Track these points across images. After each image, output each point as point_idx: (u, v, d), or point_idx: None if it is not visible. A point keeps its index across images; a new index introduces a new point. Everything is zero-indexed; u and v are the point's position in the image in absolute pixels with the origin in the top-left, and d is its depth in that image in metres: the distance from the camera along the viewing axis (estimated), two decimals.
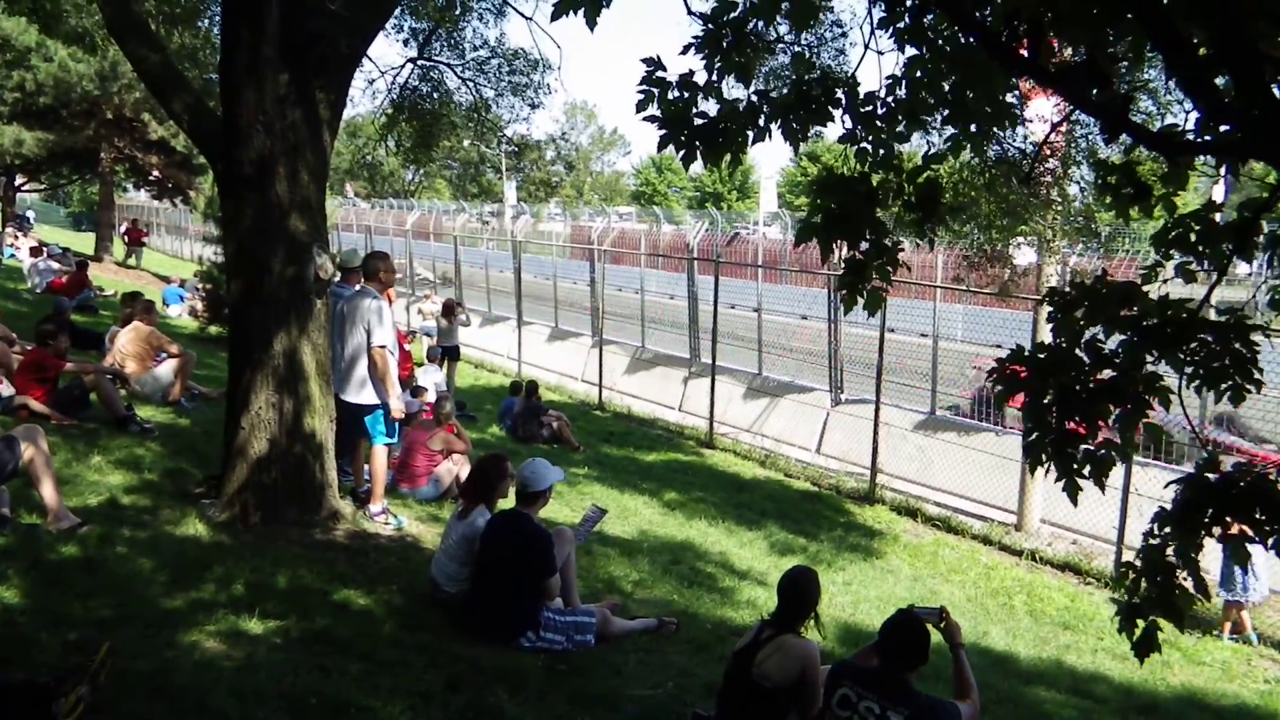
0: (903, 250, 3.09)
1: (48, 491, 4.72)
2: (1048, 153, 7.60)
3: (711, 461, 11.54)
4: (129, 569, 4.40)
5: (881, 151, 3.00)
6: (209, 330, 14.31)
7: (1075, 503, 2.52)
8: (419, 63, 11.70)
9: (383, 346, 5.78)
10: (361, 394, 5.84)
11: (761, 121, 2.93)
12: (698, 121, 2.90)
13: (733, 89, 2.98)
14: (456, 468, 6.95)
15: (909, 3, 2.72)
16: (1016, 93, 7.22)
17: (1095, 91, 2.29)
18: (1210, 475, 2.29)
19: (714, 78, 2.88)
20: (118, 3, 5.70)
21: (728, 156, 2.95)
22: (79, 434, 6.63)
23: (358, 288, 5.98)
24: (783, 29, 3.14)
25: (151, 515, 5.19)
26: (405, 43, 11.96)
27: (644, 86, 2.90)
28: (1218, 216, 2.53)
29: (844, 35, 9.33)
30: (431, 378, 11.95)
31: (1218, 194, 8.26)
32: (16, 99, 20.60)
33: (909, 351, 12.19)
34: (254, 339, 5.24)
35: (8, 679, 3.08)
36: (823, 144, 50.12)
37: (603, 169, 71.43)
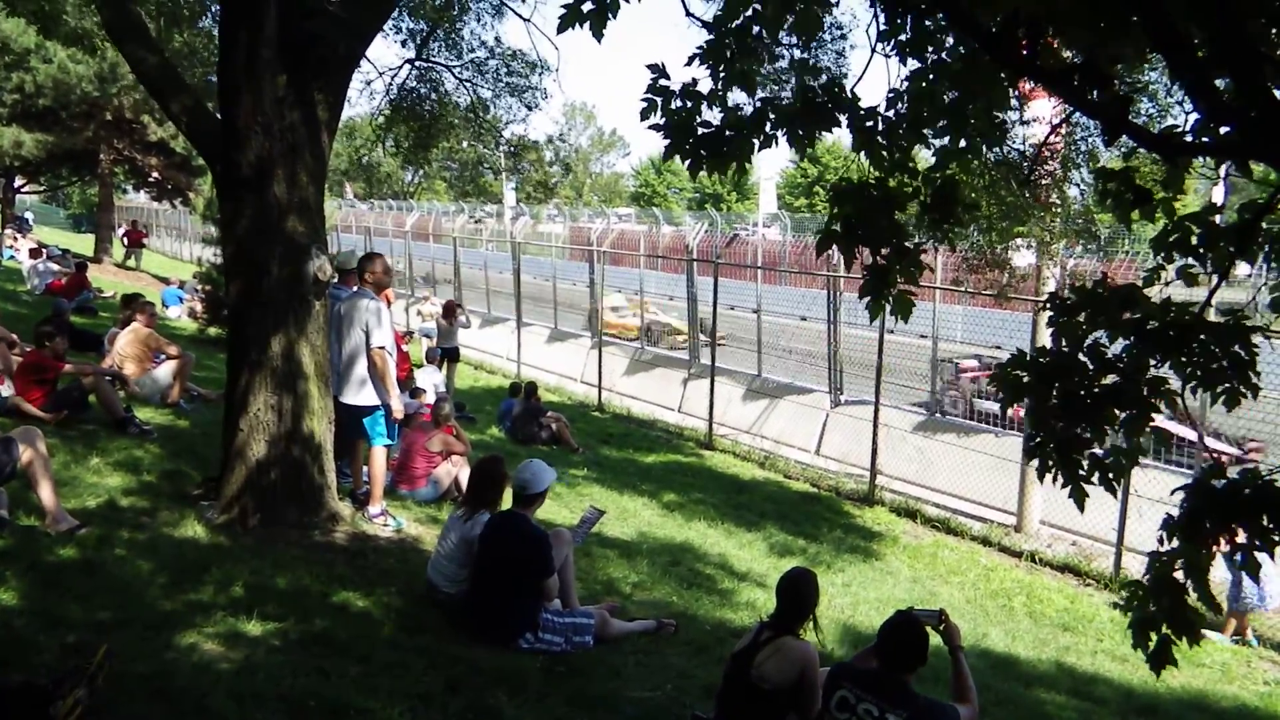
0: (925, 252, 3.07)
1: (46, 493, 4.72)
2: (1047, 155, 7.60)
3: (711, 463, 11.54)
4: (127, 571, 4.39)
5: (896, 155, 2.98)
6: (208, 332, 14.30)
7: (1082, 510, 2.50)
8: (417, 64, 11.70)
9: (381, 348, 5.78)
10: (360, 395, 5.84)
11: (768, 128, 2.93)
12: (702, 131, 2.89)
13: (736, 96, 2.98)
14: (455, 469, 6.95)
15: (911, 9, 2.71)
16: (1016, 95, 7.25)
17: (1095, 92, 2.29)
18: (1215, 482, 2.26)
19: (718, 87, 2.88)
20: (116, 4, 5.69)
21: (734, 165, 2.95)
22: (78, 436, 6.62)
23: (355, 289, 5.98)
24: (783, 34, 3.13)
25: (150, 517, 5.19)
26: (403, 43, 11.96)
27: (648, 95, 2.90)
28: (1218, 218, 2.53)
29: (844, 38, 9.33)
30: (431, 379, 11.94)
31: (1218, 196, 8.28)
32: (16, 100, 20.62)
33: (909, 353, 12.19)
34: (253, 340, 5.23)
35: (6, 681, 3.07)
36: (824, 145, 50.17)
37: (602, 170, 71.47)
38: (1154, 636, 2.40)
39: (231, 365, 5.40)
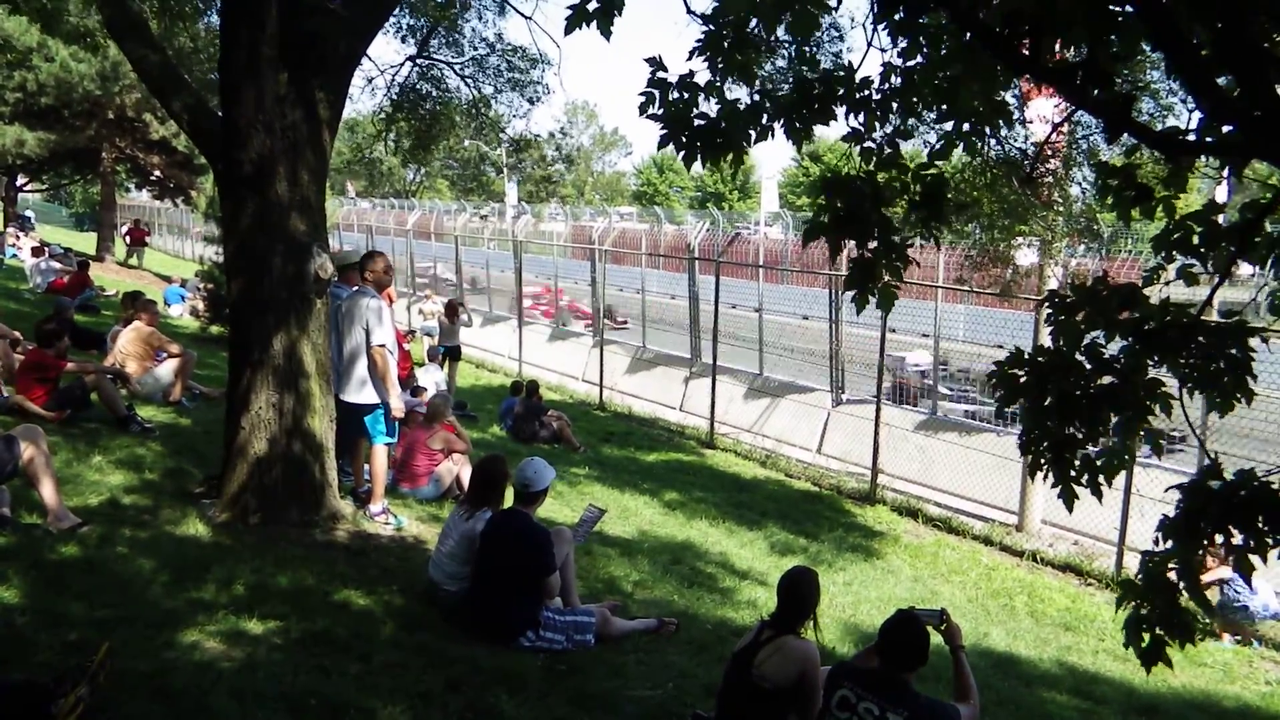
0: (911, 247, 3.08)
1: (48, 491, 4.72)
2: (1049, 153, 7.58)
3: (712, 462, 11.53)
4: (129, 569, 4.39)
5: (887, 150, 2.99)
6: (210, 330, 14.32)
7: (1071, 510, 2.50)
8: (418, 61, 11.70)
9: (382, 346, 5.78)
10: (361, 394, 5.84)
11: (764, 120, 2.93)
12: (699, 122, 2.90)
13: (734, 90, 2.99)
14: (457, 467, 6.95)
15: (911, 6, 2.71)
16: (1016, 91, 7.24)
17: (1096, 91, 2.28)
18: (1212, 483, 2.25)
19: (716, 79, 2.88)
20: (117, 3, 5.69)
21: (729, 156, 2.95)
22: (80, 434, 6.63)
23: (356, 288, 5.98)
24: (782, 33, 3.13)
25: (152, 515, 5.19)
26: (404, 40, 11.96)
27: (646, 88, 2.91)
28: (1220, 218, 2.52)
29: (841, 39, 9.34)
30: (432, 377, 11.95)
31: (1220, 195, 8.26)
32: (18, 99, 20.63)
33: (910, 351, 12.18)
34: (254, 339, 5.24)
35: (7, 679, 3.08)
36: (825, 144, 50.16)
37: (604, 169, 71.46)
38: (1146, 636, 2.39)
39: (233, 363, 5.41)
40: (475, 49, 12.35)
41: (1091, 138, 7.99)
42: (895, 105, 2.91)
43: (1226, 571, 6.72)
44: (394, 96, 11.78)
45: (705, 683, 4.16)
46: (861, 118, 2.92)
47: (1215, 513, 2.19)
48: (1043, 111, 7.56)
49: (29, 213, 32.38)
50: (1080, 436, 2.48)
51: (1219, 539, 2.24)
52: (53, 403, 6.91)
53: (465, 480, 6.57)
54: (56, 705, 2.90)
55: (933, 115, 2.97)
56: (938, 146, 2.95)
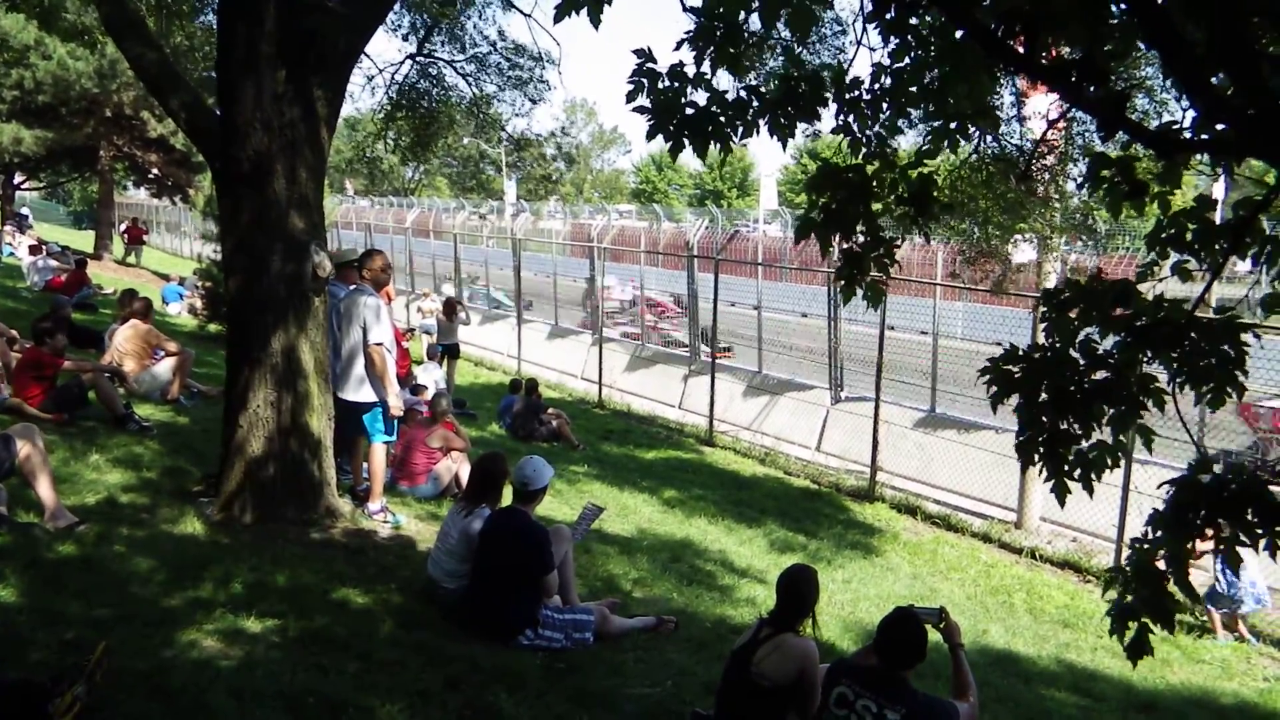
0: (899, 247, 3.08)
1: (45, 490, 4.72)
2: (1045, 150, 7.58)
3: (711, 459, 11.54)
4: (127, 568, 4.39)
5: (875, 144, 2.99)
6: (208, 328, 14.31)
7: (1063, 504, 2.51)
8: (418, 59, 11.69)
9: (379, 344, 5.77)
10: (359, 392, 5.84)
11: (750, 116, 2.93)
12: (687, 111, 2.90)
13: (724, 83, 2.99)
14: (456, 465, 6.95)
15: (906, 4, 2.71)
16: (1013, 90, 7.24)
17: (1091, 88, 2.28)
18: (1203, 477, 2.26)
19: (704, 70, 2.88)
20: (115, 0, 5.68)
21: (715, 147, 2.95)
22: (77, 432, 6.62)
23: (353, 286, 5.97)
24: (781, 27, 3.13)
25: (149, 514, 5.19)
26: (405, 38, 11.95)
27: (634, 77, 2.90)
28: (1216, 215, 2.52)
29: (843, 33, 9.32)
30: (431, 375, 11.95)
31: (1217, 192, 8.25)
32: (15, 97, 20.58)
33: (909, 349, 12.18)
34: (252, 337, 5.23)
35: (4, 678, 3.08)
36: (824, 142, 50.10)
37: (603, 167, 71.40)
38: (1132, 625, 2.41)
39: (231, 362, 5.40)
40: (476, 46, 12.34)
41: (1088, 134, 7.99)
42: (885, 104, 2.92)
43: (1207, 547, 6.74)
44: (393, 95, 11.77)
45: (704, 680, 4.17)
46: (851, 116, 2.93)
47: (1205, 505, 2.20)
48: (1041, 108, 7.56)
49: (24, 210, 32.28)
50: (1074, 431, 2.48)
51: (1209, 531, 2.26)
52: (50, 401, 6.90)
53: (464, 478, 6.57)
54: (53, 704, 2.90)
55: (920, 115, 2.97)
56: (926, 145, 2.95)
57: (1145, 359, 2.38)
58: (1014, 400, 2.63)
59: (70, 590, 4.00)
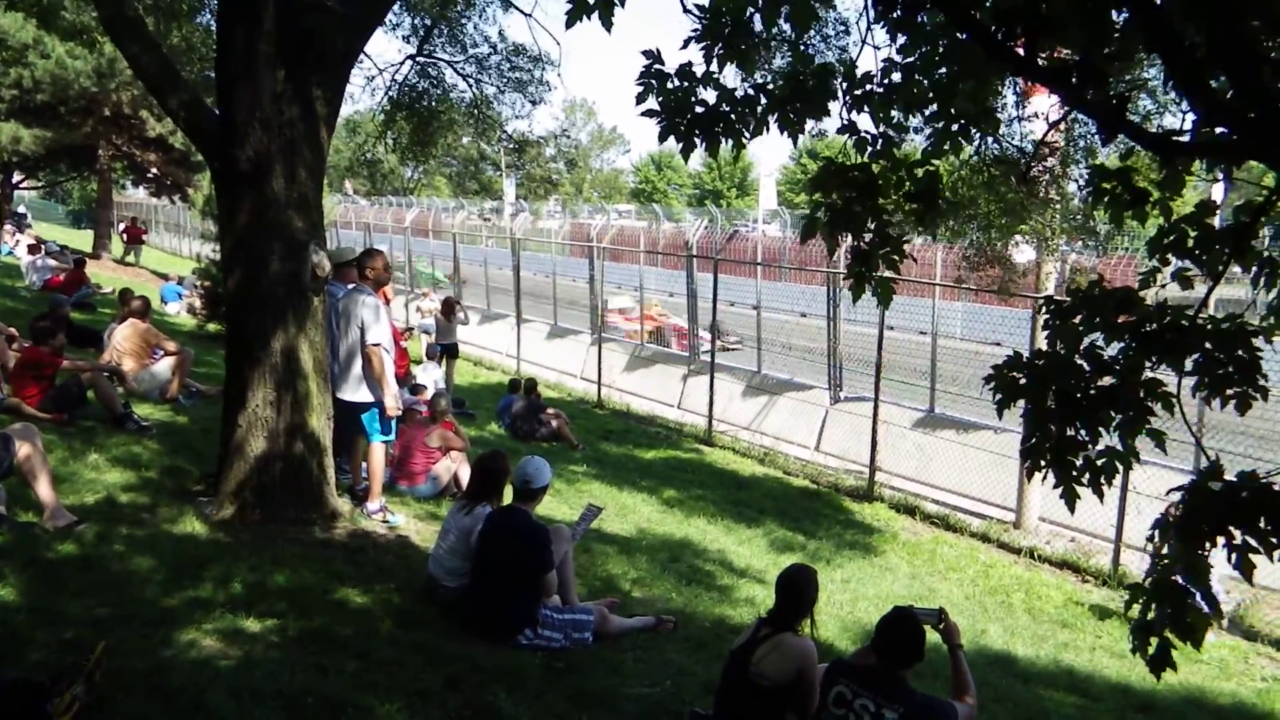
0: (908, 243, 3.09)
1: (44, 489, 4.71)
2: (1046, 151, 7.59)
3: (710, 459, 11.54)
4: (126, 567, 4.39)
5: (880, 142, 3.00)
6: (207, 328, 14.30)
7: (1073, 510, 2.50)
8: (418, 59, 11.68)
9: (377, 344, 5.77)
10: (358, 392, 5.84)
11: (759, 112, 2.93)
12: (697, 110, 2.90)
13: (732, 80, 2.99)
14: (455, 465, 6.95)
15: (907, 5, 2.71)
16: (1016, 90, 7.24)
17: (1091, 91, 2.28)
18: (1213, 484, 2.24)
19: (713, 68, 2.89)
20: (113, 0, 5.67)
21: (728, 144, 2.95)
22: (76, 432, 6.62)
23: (351, 286, 5.97)
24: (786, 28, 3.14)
25: (149, 513, 5.18)
26: (406, 39, 11.94)
27: (643, 80, 2.90)
28: (1216, 219, 2.52)
29: (848, 33, 9.31)
30: (431, 375, 11.94)
31: (1217, 195, 8.25)
32: (14, 96, 20.57)
33: (908, 349, 12.19)
34: (251, 336, 5.23)
35: (3, 678, 3.07)
36: (824, 142, 50.14)
37: (602, 166, 71.40)
38: (1154, 641, 2.39)
39: (230, 361, 5.40)
40: (476, 46, 12.32)
41: (1090, 135, 8.00)
42: (892, 101, 2.92)
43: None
44: (393, 95, 11.76)
45: (703, 680, 4.17)
46: (857, 111, 2.93)
47: (1216, 513, 2.18)
48: (1044, 109, 7.56)
49: (21, 209, 32.26)
50: (1081, 438, 2.48)
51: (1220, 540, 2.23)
52: (49, 401, 6.89)
53: (463, 478, 6.58)
54: (52, 704, 2.90)
55: (926, 114, 2.97)
56: (930, 145, 2.96)
57: (1151, 364, 2.38)
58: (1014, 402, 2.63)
59: (69, 590, 4.00)
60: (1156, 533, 2.34)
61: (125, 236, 27.44)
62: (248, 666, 3.59)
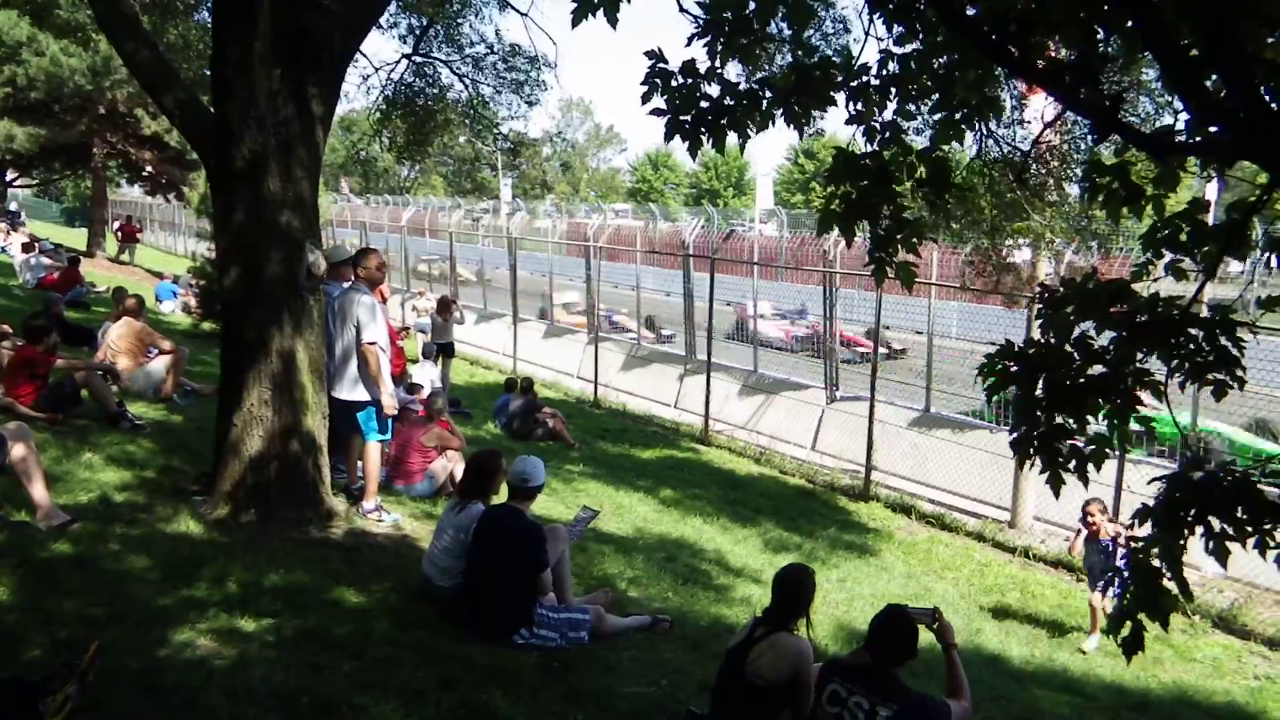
0: (926, 226, 3.11)
1: (37, 489, 4.70)
2: (1045, 152, 7.61)
3: (707, 458, 11.55)
4: (120, 567, 4.38)
5: (888, 131, 3.01)
6: (202, 326, 14.28)
7: (1057, 495, 2.55)
8: (414, 59, 11.66)
9: (373, 343, 5.76)
10: (354, 391, 5.83)
11: (764, 106, 2.94)
12: (703, 104, 2.91)
13: (736, 75, 3.00)
14: (451, 464, 6.94)
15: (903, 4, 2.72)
16: (1014, 89, 7.25)
17: (1085, 91, 2.29)
18: (1194, 474, 2.29)
19: (716, 63, 2.89)
20: None
21: (734, 138, 2.96)
22: (70, 431, 6.60)
23: (346, 285, 5.97)
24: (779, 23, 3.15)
25: (143, 513, 5.17)
26: (402, 39, 11.93)
27: (648, 79, 2.91)
28: (1209, 217, 2.54)
29: (847, 31, 9.34)
30: (427, 374, 11.92)
31: (1210, 193, 8.28)
32: (8, 94, 20.53)
33: (904, 348, 12.22)
34: (247, 335, 5.22)
35: None
36: (820, 141, 50.19)
37: (599, 165, 71.39)
38: (1128, 625, 2.45)
39: (225, 360, 5.39)
40: (472, 46, 12.32)
41: (1087, 136, 8.01)
42: (893, 91, 2.93)
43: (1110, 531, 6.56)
44: (389, 94, 11.74)
45: (699, 679, 4.17)
46: (860, 104, 2.94)
47: (1196, 503, 2.23)
48: (1044, 109, 7.57)
49: (14, 206, 32.14)
50: (1069, 426, 2.52)
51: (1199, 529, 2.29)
52: (43, 400, 6.87)
53: (459, 477, 6.56)
54: (45, 703, 2.90)
55: (929, 105, 2.99)
56: (934, 135, 2.97)
57: (1141, 355, 2.42)
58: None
59: (63, 589, 3.99)
60: (1134, 520, 2.39)
61: (120, 235, 27.38)
62: (242, 666, 3.58)
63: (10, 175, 28.32)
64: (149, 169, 25.25)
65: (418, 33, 11.76)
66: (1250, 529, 2.20)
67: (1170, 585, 2.38)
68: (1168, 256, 2.56)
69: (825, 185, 3.00)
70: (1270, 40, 2.23)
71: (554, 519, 6.12)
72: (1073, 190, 8.31)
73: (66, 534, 4.59)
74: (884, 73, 2.92)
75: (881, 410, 10.66)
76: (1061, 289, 2.54)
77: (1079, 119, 7.66)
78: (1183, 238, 2.46)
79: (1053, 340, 2.54)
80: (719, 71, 2.91)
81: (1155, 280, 2.66)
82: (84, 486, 5.44)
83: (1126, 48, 2.33)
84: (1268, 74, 2.06)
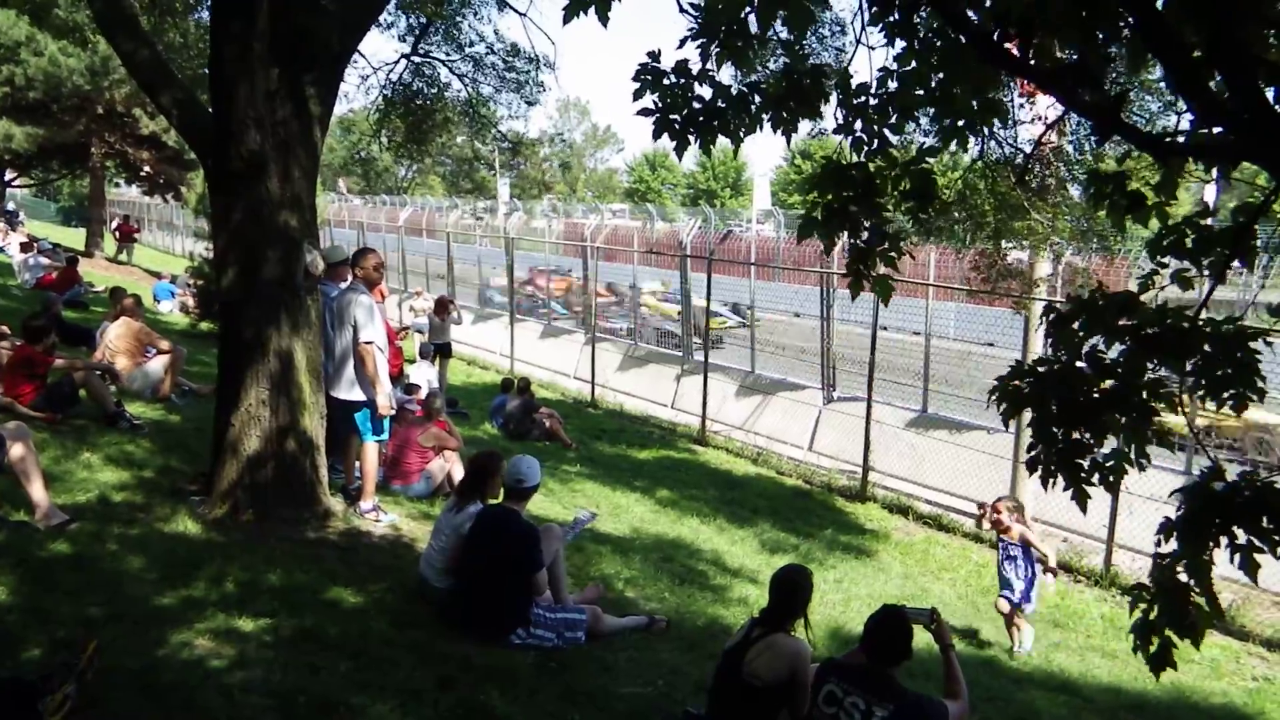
0: (906, 239, 3.11)
1: (36, 489, 4.69)
2: (1047, 152, 7.62)
3: (704, 459, 11.55)
4: (118, 567, 4.37)
5: (876, 142, 3.01)
6: (200, 326, 14.26)
7: (1085, 511, 2.50)
8: (413, 59, 11.67)
9: (370, 343, 5.76)
10: (352, 391, 5.83)
11: (753, 111, 2.94)
12: (694, 107, 2.91)
13: (729, 79, 3.00)
14: (448, 465, 6.94)
15: (902, 4, 2.72)
16: (1014, 90, 7.26)
17: (1087, 92, 2.29)
18: (1215, 485, 2.25)
19: (709, 66, 2.89)
20: None
21: (723, 141, 2.96)
22: (68, 431, 6.59)
23: (344, 285, 5.96)
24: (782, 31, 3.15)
25: (142, 512, 5.17)
26: (401, 38, 11.93)
27: (639, 78, 2.91)
28: (1211, 220, 2.53)
29: (843, 33, 9.34)
30: (424, 374, 11.91)
31: (1209, 196, 8.29)
32: (6, 93, 20.49)
33: (901, 349, 12.22)
34: (245, 335, 5.22)
35: None
36: (817, 143, 50.21)
37: (596, 166, 71.35)
38: (1155, 640, 2.39)
39: (223, 360, 5.39)
40: (471, 45, 12.33)
41: (1090, 136, 8.01)
42: (891, 109, 2.93)
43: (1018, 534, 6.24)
44: (388, 94, 11.74)
45: (696, 680, 4.17)
46: (858, 121, 2.94)
47: (1219, 514, 2.19)
48: (1043, 110, 7.58)
49: (12, 206, 32.06)
50: (1087, 442, 2.49)
51: (1224, 540, 2.23)
52: (41, 399, 6.85)
53: (457, 477, 6.56)
54: (44, 703, 2.89)
55: (927, 114, 2.99)
56: (933, 143, 2.97)
57: (1152, 366, 2.39)
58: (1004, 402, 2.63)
59: (61, 589, 3.99)
60: (1161, 536, 2.34)
61: (117, 235, 27.33)
62: (240, 666, 3.58)
63: (9, 175, 28.26)
64: (147, 169, 25.19)
65: (417, 32, 11.77)
66: (1277, 537, 2.14)
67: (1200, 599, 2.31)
68: (1172, 264, 2.53)
69: (809, 191, 3.00)
70: (1272, 42, 2.24)
71: (550, 519, 6.12)
72: (1075, 191, 8.32)
73: (65, 534, 4.58)
74: (882, 92, 2.92)
75: (879, 411, 10.66)
76: (1069, 304, 2.52)
77: (1082, 120, 7.67)
78: (1188, 244, 2.44)
79: (1062, 358, 2.52)
80: (711, 74, 2.91)
81: (1162, 288, 2.64)
82: (82, 486, 5.43)
83: (1131, 50, 2.33)
84: (1270, 75, 2.06)
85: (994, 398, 2.64)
